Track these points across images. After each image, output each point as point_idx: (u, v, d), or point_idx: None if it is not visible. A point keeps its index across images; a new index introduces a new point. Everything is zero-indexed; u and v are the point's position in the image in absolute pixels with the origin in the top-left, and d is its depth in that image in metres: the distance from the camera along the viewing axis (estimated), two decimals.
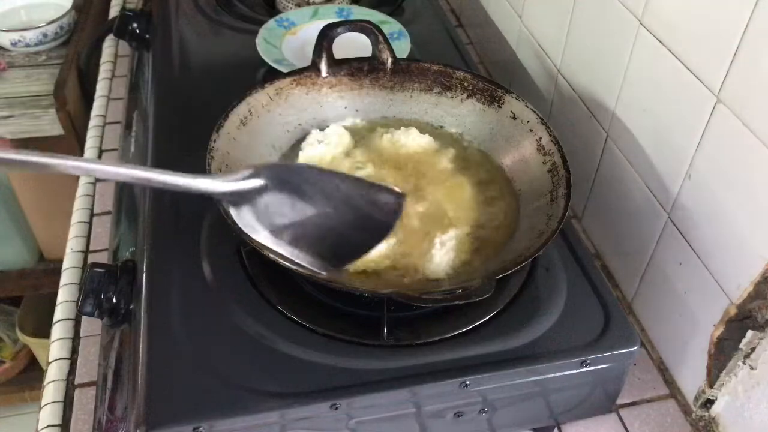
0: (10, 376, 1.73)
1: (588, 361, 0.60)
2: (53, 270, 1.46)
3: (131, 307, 0.65)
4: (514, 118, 0.71)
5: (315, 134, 0.73)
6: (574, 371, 0.60)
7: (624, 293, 0.81)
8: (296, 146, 0.73)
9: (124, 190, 0.86)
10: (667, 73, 0.67)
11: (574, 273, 0.66)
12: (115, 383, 0.66)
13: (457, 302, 0.50)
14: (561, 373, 0.60)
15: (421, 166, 0.71)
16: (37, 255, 1.51)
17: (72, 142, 1.22)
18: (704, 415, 0.69)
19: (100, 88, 1.14)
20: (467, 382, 0.57)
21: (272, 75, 0.82)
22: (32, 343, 1.66)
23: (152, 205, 0.71)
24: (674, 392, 0.73)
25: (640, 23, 0.70)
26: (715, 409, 0.68)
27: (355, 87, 0.77)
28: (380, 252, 0.61)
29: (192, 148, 0.67)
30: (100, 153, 1.03)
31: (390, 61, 0.76)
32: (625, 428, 0.70)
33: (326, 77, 0.76)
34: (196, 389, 0.55)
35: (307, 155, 0.71)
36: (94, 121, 1.07)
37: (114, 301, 0.66)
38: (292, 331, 0.60)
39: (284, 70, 0.85)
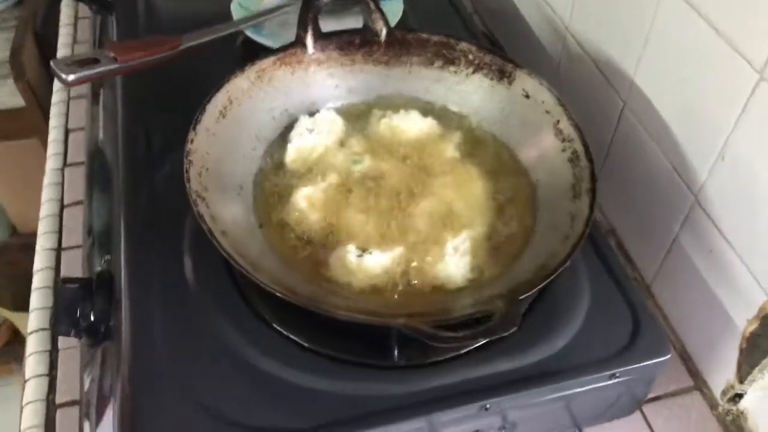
0: None
1: (617, 374, 0.55)
2: (28, 245, 1.39)
3: (111, 323, 0.59)
4: (527, 97, 0.64)
5: (304, 121, 0.65)
6: (603, 383, 0.55)
7: (642, 275, 0.76)
8: (284, 134, 0.65)
9: (95, 180, 0.79)
10: (698, 42, 0.59)
11: (596, 270, 0.61)
12: (99, 405, 0.61)
13: (480, 340, 0.45)
14: (588, 387, 0.55)
15: (425, 156, 0.63)
16: (10, 229, 1.44)
17: (36, 114, 1.13)
18: (732, 409, 0.65)
19: (61, 54, 1.04)
20: (487, 406, 0.52)
21: (250, 47, 0.74)
22: (12, 316, 1.61)
23: (128, 206, 0.64)
24: (699, 384, 0.69)
25: None
26: (744, 403, 0.64)
27: (346, 63, 0.68)
28: (387, 265, 0.55)
29: (163, 113, 0.64)
30: (67, 131, 0.94)
31: (384, 31, 0.68)
32: (648, 425, 0.66)
33: (313, 54, 0.67)
34: (183, 424, 0.51)
35: (297, 146, 0.63)
36: (57, 96, 0.98)
37: (91, 318, 0.60)
38: (288, 352, 0.55)
39: (263, 40, 0.76)
